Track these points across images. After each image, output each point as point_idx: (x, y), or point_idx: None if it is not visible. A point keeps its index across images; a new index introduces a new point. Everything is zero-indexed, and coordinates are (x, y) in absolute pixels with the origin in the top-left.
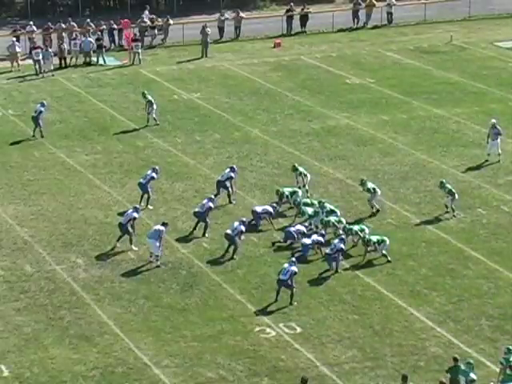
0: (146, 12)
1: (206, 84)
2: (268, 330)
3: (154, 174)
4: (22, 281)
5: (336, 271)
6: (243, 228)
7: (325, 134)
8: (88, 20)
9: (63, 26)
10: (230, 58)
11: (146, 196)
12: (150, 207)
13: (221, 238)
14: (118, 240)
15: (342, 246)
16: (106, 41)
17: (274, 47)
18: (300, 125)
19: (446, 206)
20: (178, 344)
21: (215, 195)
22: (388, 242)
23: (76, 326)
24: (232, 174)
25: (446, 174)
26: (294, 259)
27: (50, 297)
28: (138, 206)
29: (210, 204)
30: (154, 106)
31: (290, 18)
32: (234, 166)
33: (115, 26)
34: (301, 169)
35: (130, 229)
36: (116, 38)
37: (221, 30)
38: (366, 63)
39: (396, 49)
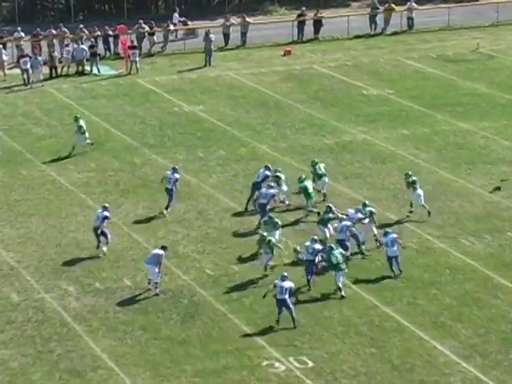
0: (176, 14)
1: (209, 95)
2: (277, 364)
3: (176, 175)
4: (7, 310)
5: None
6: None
7: (339, 150)
8: (81, 26)
9: (54, 32)
10: (235, 67)
11: (169, 198)
12: (165, 212)
13: (225, 264)
14: (97, 247)
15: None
16: (100, 48)
17: (284, 55)
18: (312, 140)
19: (412, 205)
20: (178, 379)
21: (249, 198)
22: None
23: (67, 359)
24: (267, 173)
25: (471, 194)
26: (285, 274)
27: (39, 328)
28: (106, 204)
29: (272, 191)
30: (86, 135)
31: (301, 24)
32: (269, 165)
33: (110, 32)
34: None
35: (105, 231)
36: (111, 45)
37: (226, 36)
38: (384, 72)
39: (417, 57)
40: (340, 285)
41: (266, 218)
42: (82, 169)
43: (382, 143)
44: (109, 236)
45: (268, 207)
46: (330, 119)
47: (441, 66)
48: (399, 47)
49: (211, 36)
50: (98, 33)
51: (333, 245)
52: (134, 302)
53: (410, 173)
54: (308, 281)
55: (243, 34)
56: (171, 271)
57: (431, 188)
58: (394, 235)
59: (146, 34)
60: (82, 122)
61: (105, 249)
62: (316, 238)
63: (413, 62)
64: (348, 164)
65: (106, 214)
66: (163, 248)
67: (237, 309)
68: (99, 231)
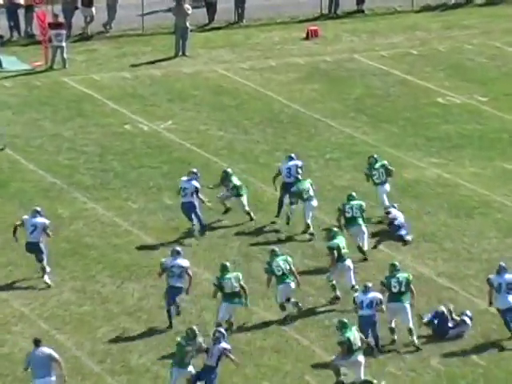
0: None
1: (182, 105)
2: None
3: (195, 183)
4: None
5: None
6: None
7: (399, 195)
8: None
9: None
10: (226, 58)
11: (196, 219)
12: (196, 234)
13: None
14: (42, 272)
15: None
16: (3, 27)
17: (307, 38)
18: (354, 177)
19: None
20: None
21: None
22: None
23: None
24: (299, 162)
25: None
26: (369, 284)
27: None
28: (38, 208)
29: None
30: None
31: None
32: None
33: (20, 1)
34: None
35: (42, 248)
36: (21, 22)
37: (210, 6)
38: (473, 68)
39: None
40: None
41: None
42: None
43: (468, 184)
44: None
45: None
46: (381, 144)
47: None
48: (498, 25)
49: (186, 6)
50: (1, 1)
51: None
52: None
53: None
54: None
55: (239, 3)
56: None
57: None
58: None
59: (79, 4)
60: None
61: (46, 277)
62: (369, 284)
63: None
64: (413, 218)
65: (41, 220)
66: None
67: None
68: (35, 248)
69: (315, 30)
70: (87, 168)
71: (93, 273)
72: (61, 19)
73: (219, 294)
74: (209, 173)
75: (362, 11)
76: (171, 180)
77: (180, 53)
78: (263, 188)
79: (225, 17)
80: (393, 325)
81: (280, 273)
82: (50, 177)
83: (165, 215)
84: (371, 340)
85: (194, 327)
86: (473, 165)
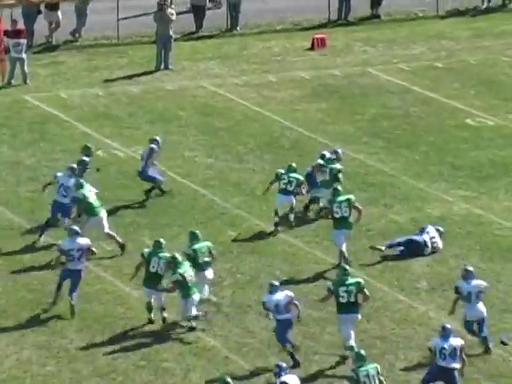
0: None
1: (165, 127)
2: None
3: (153, 146)
4: None
5: None
6: None
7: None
8: None
9: None
10: (217, 72)
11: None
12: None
13: None
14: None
15: None
16: None
17: (313, 48)
18: (369, 214)
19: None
20: None
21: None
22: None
23: None
24: (320, 161)
25: None
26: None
27: None
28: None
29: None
30: None
31: None
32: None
33: None
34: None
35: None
36: None
37: (198, 10)
38: (509, 84)
39: None
40: None
41: None
42: None
43: (503, 221)
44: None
45: None
46: (400, 173)
47: None
48: None
49: (170, 11)
50: None
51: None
52: None
53: None
54: None
55: (233, 7)
56: None
57: None
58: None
59: (43, 8)
60: None
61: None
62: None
63: None
64: (438, 261)
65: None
66: None
67: None
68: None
69: (322, 39)
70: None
71: (58, 327)
72: (20, 25)
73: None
74: (196, 208)
75: (378, 16)
76: (151, 217)
77: (162, 66)
78: (260, 226)
79: (215, 23)
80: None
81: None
82: (9, 212)
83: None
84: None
85: None
86: (509, 198)
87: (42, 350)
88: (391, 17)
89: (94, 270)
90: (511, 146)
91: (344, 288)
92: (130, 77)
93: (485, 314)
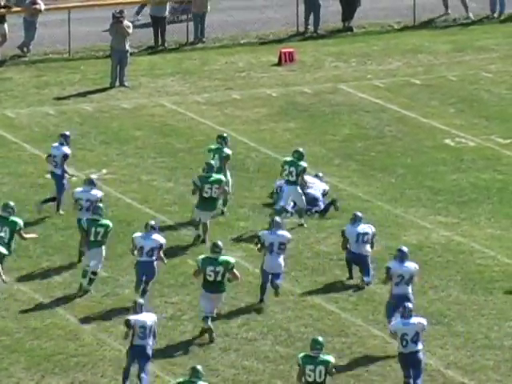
0: None
1: (121, 148)
2: None
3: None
4: None
5: None
6: None
7: None
8: None
9: None
10: (176, 89)
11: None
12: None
13: None
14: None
15: None
16: None
17: (280, 63)
18: (339, 241)
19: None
20: None
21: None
22: None
23: None
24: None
25: None
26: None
27: None
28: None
29: None
30: None
31: None
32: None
33: None
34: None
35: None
36: None
37: (157, 21)
38: (491, 102)
39: None
40: None
41: None
42: None
43: (485, 249)
44: None
45: None
46: (375, 198)
47: None
48: None
49: (126, 24)
50: None
51: None
52: None
53: None
54: None
55: (197, 19)
56: None
57: None
58: None
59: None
60: None
61: None
62: None
63: None
64: (416, 292)
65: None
66: None
67: None
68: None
69: (290, 54)
70: None
71: (5, 364)
72: None
73: None
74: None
75: (350, 29)
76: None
77: (117, 82)
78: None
79: (176, 35)
80: None
81: None
82: None
83: (99, 290)
84: None
85: None
86: (491, 225)
87: None
88: (365, 29)
89: (45, 303)
90: (494, 169)
91: (211, 267)
92: (82, 94)
93: None
